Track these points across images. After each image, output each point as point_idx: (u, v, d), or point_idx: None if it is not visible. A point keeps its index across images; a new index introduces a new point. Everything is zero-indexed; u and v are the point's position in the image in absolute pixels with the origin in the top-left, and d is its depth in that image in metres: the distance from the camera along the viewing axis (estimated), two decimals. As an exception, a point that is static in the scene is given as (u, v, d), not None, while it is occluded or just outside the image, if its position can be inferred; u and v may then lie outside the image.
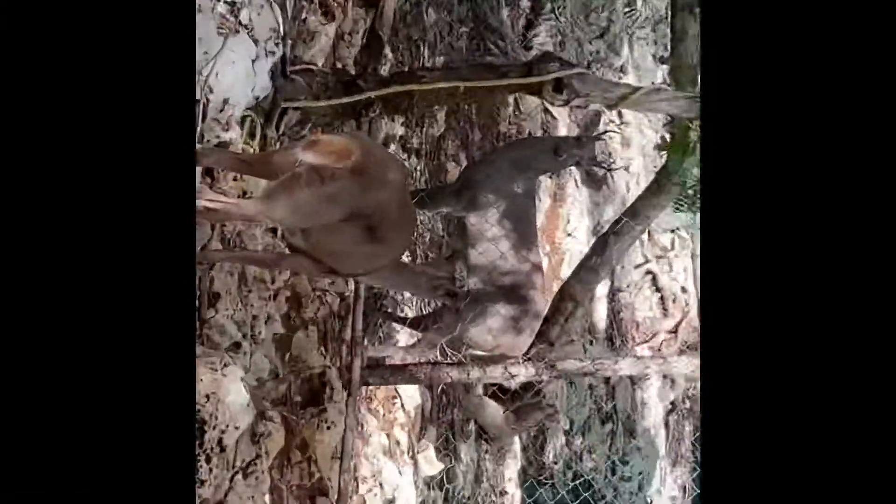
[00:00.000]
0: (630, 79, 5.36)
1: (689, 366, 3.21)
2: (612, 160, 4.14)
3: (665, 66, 5.63)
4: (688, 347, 4.12)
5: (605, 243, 3.70)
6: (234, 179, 3.00)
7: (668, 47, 3.60)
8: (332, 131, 3.46)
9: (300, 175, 2.34)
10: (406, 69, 3.72)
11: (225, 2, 3.05)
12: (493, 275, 3.51)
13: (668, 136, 3.82)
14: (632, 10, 5.25)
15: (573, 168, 3.63)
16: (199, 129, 2.87)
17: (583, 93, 3.10)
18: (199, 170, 2.73)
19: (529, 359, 3.37)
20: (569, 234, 5.73)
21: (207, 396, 2.65)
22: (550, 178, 4.73)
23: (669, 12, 3.56)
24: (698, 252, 6.95)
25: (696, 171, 3.43)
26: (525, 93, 3.32)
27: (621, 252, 3.82)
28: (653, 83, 5.09)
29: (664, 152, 3.65)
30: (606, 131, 3.75)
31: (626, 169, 5.32)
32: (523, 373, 3.29)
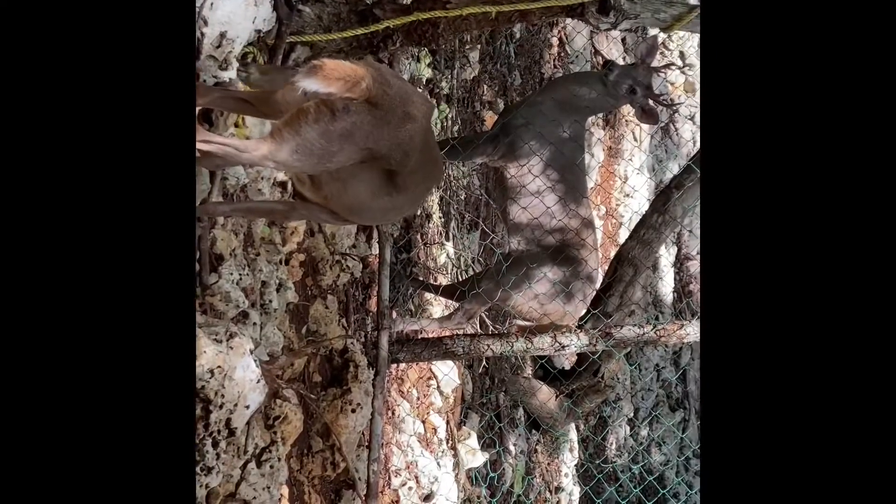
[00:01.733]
0: None
1: None
2: (672, 100, 3.96)
3: None
4: None
5: (668, 198, 3.68)
6: (236, 125, 2.95)
7: None
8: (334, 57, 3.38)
9: (308, 109, 2.23)
10: None
11: None
12: (537, 233, 3.41)
13: None
14: None
15: (629, 107, 3.42)
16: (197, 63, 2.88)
17: (632, 14, 2.97)
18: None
19: (582, 327, 3.25)
20: (626, 195, 5.60)
21: (212, 371, 2.56)
22: (605, 127, 4.57)
23: None
24: None
25: None
26: (566, 16, 3.17)
27: (687, 209, 3.76)
28: None
29: None
30: (668, 64, 3.56)
31: (692, 119, 5.17)
32: (575, 343, 3.25)
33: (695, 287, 6.26)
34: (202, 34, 2.88)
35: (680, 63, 5.56)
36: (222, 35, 2.87)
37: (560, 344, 3.22)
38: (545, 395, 4.15)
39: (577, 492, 5.54)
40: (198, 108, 2.68)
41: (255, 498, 2.96)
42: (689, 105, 5.81)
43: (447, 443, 4.04)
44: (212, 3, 2.81)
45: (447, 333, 3.56)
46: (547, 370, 4.21)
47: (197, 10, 2.84)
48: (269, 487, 2.92)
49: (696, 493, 6.53)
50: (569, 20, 3.69)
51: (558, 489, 5.48)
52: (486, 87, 4.45)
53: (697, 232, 6.51)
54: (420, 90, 3.64)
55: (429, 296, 4.01)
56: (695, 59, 5.72)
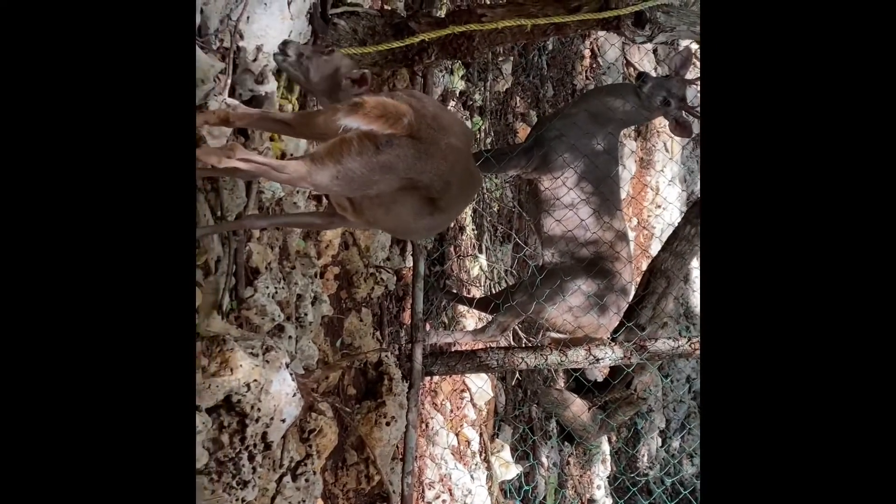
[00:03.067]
0: None
1: None
2: None
3: None
4: None
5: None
6: (271, 139, 3.02)
7: None
8: (381, 83, 3.46)
9: (351, 141, 2.27)
10: (464, 7, 3.59)
11: None
12: (571, 246, 3.41)
13: None
14: None
15: (664, 118, 3.42)
16: (228, 81, 2.88)
17: (668, 26, 2.97)
18: (230, 130, 2.76)
19: (616, 340, 3.26)
20: (658, 206, 5.58)
21: (248, 385, 2.61)
22: (637, 138, 4.55)
23: None
24: None
25: None
26: (601, 29, 3.21)
27: None
28: None
29: None
30: (696, 79, 3.55)
31: None
32: (609, 356, 3.26)
33: None
34: (238, 48, 2.92)
35: None
36: (258, 48, 2.91)
37: (594, 357, 3.23)
38: (578, 408, 4.13)
39: (608, 503, 5.52)
40: (232, 126, 2.69)
41: None
42: None
43: (480, 455, 4.03)
44: (248, 17, 2.87)
45: (480, 346, 3.58)
46: (580, 382, 4.20)
47: (233, 23, 2.89)
48: (304, 501, 2.94)
49: None
50: (601, 31, 3.70)
51: (591, 501, 5.48)
52: (518, 98, 4.47)
53: None
54: (454, 106, 3.71)
55: (462, 308, 4.01)
56: None
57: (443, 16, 3.28)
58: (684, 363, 6.42)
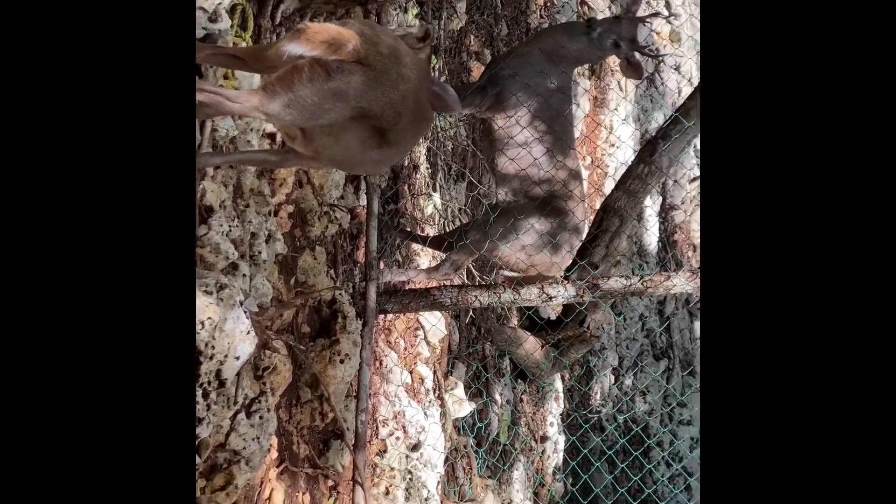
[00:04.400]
0: None
1: None
2: (658, 51, 4.01)
3: None
4: None
5: (654, 149, 3.74)
6: (225, 77, 3.02)
7: None
8: (334, 20, 3.37)
9: (302, 67, 2.29)
10: None
11: None
12: (524, 184, 3.46)
13: None
14: None
15: (615, 58, 3.47)
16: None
17: None
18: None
19: (569, 278, 3.34)
20: (612, 145, 5.71)
21: (202, 323, 2.66)
22: (591, 77, 4.62)
23: None
24: None
25: None
26: None
27: (673, 159, 3.80)
28: None
29: None
30: (653, 14, 3.61)
31: (677, 69, 5.21)
32: (562, 294, 3.30)
33: (679, 237, 6.37)
34: None
35: (665, 13, 5.59)
36: None
37: (547, 295, 3.25)
38: (531, 346, 4.23)
39: (562, 441, 5.64)
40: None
41: (244, 448, 3.03)
42: (675, 55, 5.89)
43: (434, 393, 4.09)
44: None
45: (434, 284, 3.59)
46: (533, 321, 4.29)
47: None
48: (258, 438, 2.98)
49: (680, 441, 6.69)
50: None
51: (544, 438, 5.58)
52: (472, 37, 4.46)
53: (683, 182, 6.63)
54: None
55: (416, 247, 4.03)
56: (680, 8, 5.76)
57: None
58: (637, 301, 6.60)
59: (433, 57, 3.81)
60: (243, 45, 3.17)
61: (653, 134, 4.43)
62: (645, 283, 3.40)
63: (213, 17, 2.92)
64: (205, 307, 2.70)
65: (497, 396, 5.08)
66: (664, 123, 3.58)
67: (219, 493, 3.01)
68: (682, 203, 6.62)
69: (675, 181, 6.02)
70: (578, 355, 4.43)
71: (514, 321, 4.64)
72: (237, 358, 2.76)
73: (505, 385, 5.11)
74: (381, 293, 3.50)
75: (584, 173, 4.60)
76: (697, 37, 6.36)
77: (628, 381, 6.47)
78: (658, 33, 5.27)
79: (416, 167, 4.18)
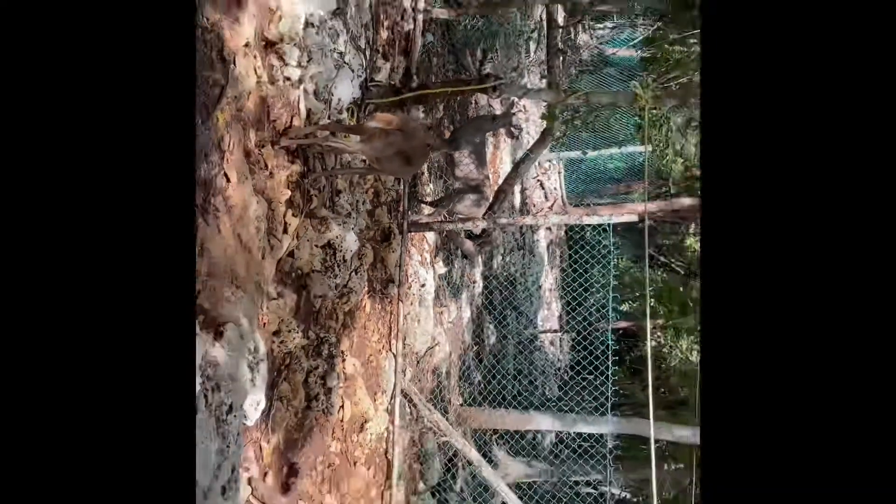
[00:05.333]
0: (528, 86, 8.38)
1: (557, 221, 6.76)
2: (521, 127, 7.94)
3: (544, 81, 9.05)
4: (555, 213, 8.00)
5: (518, 166, 7.28)
6: (345, 136, 4.41)
7: (546, 73, 7.15)
8: (385, 111, 5.16)
9: (374, 132, 3.96)
10: (423, 83, 6.34)
11: (337, 52, 5.02)
12: (467, 181, 6.54)
13: (546, 112, 6.75)
14: (528, 56, 8.94)
15: (503, 129, 6.77)
16: (328, 114, 4.81)
17: (506, 92, 5.49)
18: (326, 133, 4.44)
19: (484, 219, 6.85)
20: (502, 164, 9.59)
21: (337, 237, 4.70)
22: (493, 135, 8.39)
23: (546, 58, 7.29)
24: (562, 170, 10.81)
25: (560, 129, 7.12)
26: (480, 93, 5.82)
27: (526, 170, 7.19)
28: (538, 88, 8.71)
29: (544, 120, 6.98)
30: (515, 112, 7.22)
31: (527, 132, 8.87)
32: (482, 225, 6.70)
33: (528, 200, 10.19)
34: (329, 100, 4.96)
35: (523, 108, 9.32)
36: (339, 100, 4.99)
37: (475, 225, 6.44)
38: (469, 245, 7.41)
39: (480, 283, 8.83)
40: (329, 131, 4.47)
41: (356, 286, 5.51)
42: (526, 128, 9.62)
43: (430, 263, 7.13)
44: (336, 87, 4.95)
45: (431, 221, 6.91)
46: (470, 234, 7.15)
47: (329, 91, 4.92)
48: (359, 282, 5.86)
49: (528, 284, 10.55)
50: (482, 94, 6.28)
51: (474, 281, 8.77)
52: (445, 119, 7.66)
53: (527, 179, 10.57)
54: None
55: (424, 206, 7.15)
56: (529, 104, 9.59)
57: (415, 85, 6.03)
58: (513, 228, 9.82)
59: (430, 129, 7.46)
60: (352, 122, 5.08)
61: (517, 160, 7.61)
62: (515, 220, 7.09)
63: (340, 112, 5.21)
64: (338, 233, 4.89)
65: (455, 265, 7.93)
66: (521, 157, 7.19)
67: (344, 304, 4.99)
68: (528, 187, 10.33)
69: (526, 178, 9.51)
70: (487, 249, 7.64)
71: (463, 235, 7.14)
72: (351, 250, 5.18)
73: (458, 260, 7.99)
74: (410, 224, 6.17)
75: (491, 176, 7.81)
76: (536, 116, 10.42)
77: (508, 258, 10.04)
78: (517, 113, 8.71)
79: (421, 173, 6.98)
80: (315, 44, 4.55)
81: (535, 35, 8.84)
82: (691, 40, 6.73)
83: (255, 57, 3.94)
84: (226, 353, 3.13)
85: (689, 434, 6.72)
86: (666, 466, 9.14)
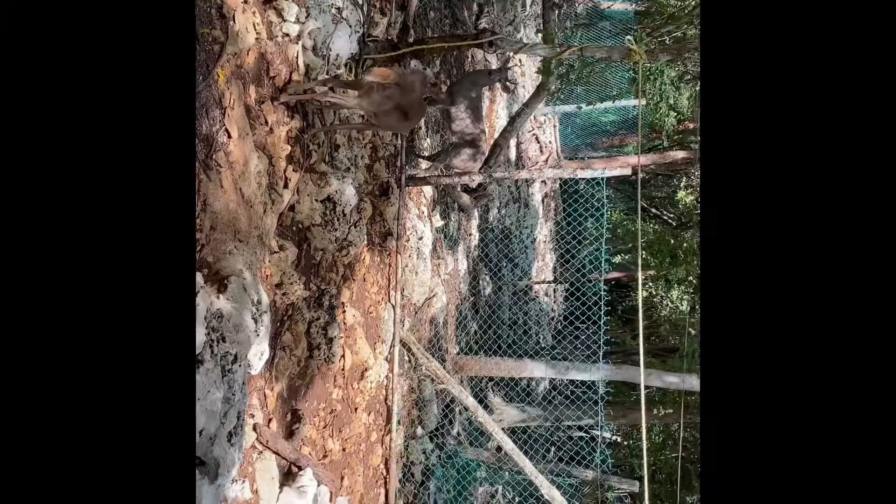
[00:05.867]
0: (524, 40, 8.49)
1: (551, 174, 6.73)
2: (516, 81, 7.95)
3: (539, 35, 8.98)
4: (549, 167, 8.09)
5: (514, 120, 7.33)
6: (343, 91, 4.44)
7: (541, 27, 7.22)
8: (383, 66, 5.17)
9: (372, 87, 3.98)
10: (420, 38, 6.38)
11: (335, 7, 5.04)
12: (463, 135, 6.14)
13: (541, 67, 6.79)
14: (524, 10, 8.92)
15: (498, 83, 6.81)
16: (327, 69, 4.75)
17: (502, 47, 5.50)
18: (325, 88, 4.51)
19: (480, 173, 7.06)
20: (498, 118, 9.64)
21: (336, 192, 5.21)
22: (489, 89, 8.47)
23: (542, 12, 7.29)
24: (557, 124, 10.90)
25: (555, 84, 7.23)
26: (476, 48, 5.75)
27: (521, 124, 7.23)
28: (534, 42, 8.61)
29: (539, 74, 6.90)
30: (511, 66, 7.44)
31: (522, 86, 8.90)
32: (478, 179, 6.75)
33: (524, 153, 10.18)
34: (327, 56, 4.90)
35: (519, 62, 9.25)
36: (337, 55, 4.94)
37: (472, 179, 6.52)
38: (466, 198, 7.51)
39: (477, 237, 8.87)
40: (327, 87, 4.45)
41: (355, 238, 5.91)
42: (522, 82, 9.64)
43: (428, 216, 7.16)
44: (333, 43, 4.90)
45: (428, 175, 7.09)
46: (467, 188, 7.32)
47: (327, 46, 4.85)
48: (359, 235, 5.74)
49: (524, 235, 10.81)
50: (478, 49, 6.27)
51: (469, 234, 8.73)
52: (442, 73, 7.72)
53: (523, 132, 10.60)
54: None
55: (421, 160, 7.26)
56: (525, 59, 9.58)
57: (412, 40, 5.97)
58: (508, 182, 10.08)
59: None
60: (350, 78, 4.92)
61: (512, 115, 7.64)
62: (510, 174, 7.21)
63: (338, 67, 5.31)
64: (338, 187, 5.82)
65: (452, 217, 7.95)
66: (517, 111, 7.49)
67: (344, 257, 5.04)
68: (524, 140, 10.32)
69: (522, 132, 9.46)
70: (484, 201, 7.66)
71: (459, 188, 7.22)
72: (350, 204, 5.53)
73: (455, 213, 8.07)
74: (407, 178, 6.23)
75: (487, 130, 7.47)
76: (532, 70, 10.38)
77: (503, 211, 9.93)
78: (517, 72, 8.74)
79: (418, 128, 7.11)
80: (313, -1, 4.60)
81: (530, -12, 8.89)
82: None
83: (253, 13, 3.94)
84: (230, 305, 3.18)
85: (677, 381, 6.92)
86: (655, 411, 9.36)
